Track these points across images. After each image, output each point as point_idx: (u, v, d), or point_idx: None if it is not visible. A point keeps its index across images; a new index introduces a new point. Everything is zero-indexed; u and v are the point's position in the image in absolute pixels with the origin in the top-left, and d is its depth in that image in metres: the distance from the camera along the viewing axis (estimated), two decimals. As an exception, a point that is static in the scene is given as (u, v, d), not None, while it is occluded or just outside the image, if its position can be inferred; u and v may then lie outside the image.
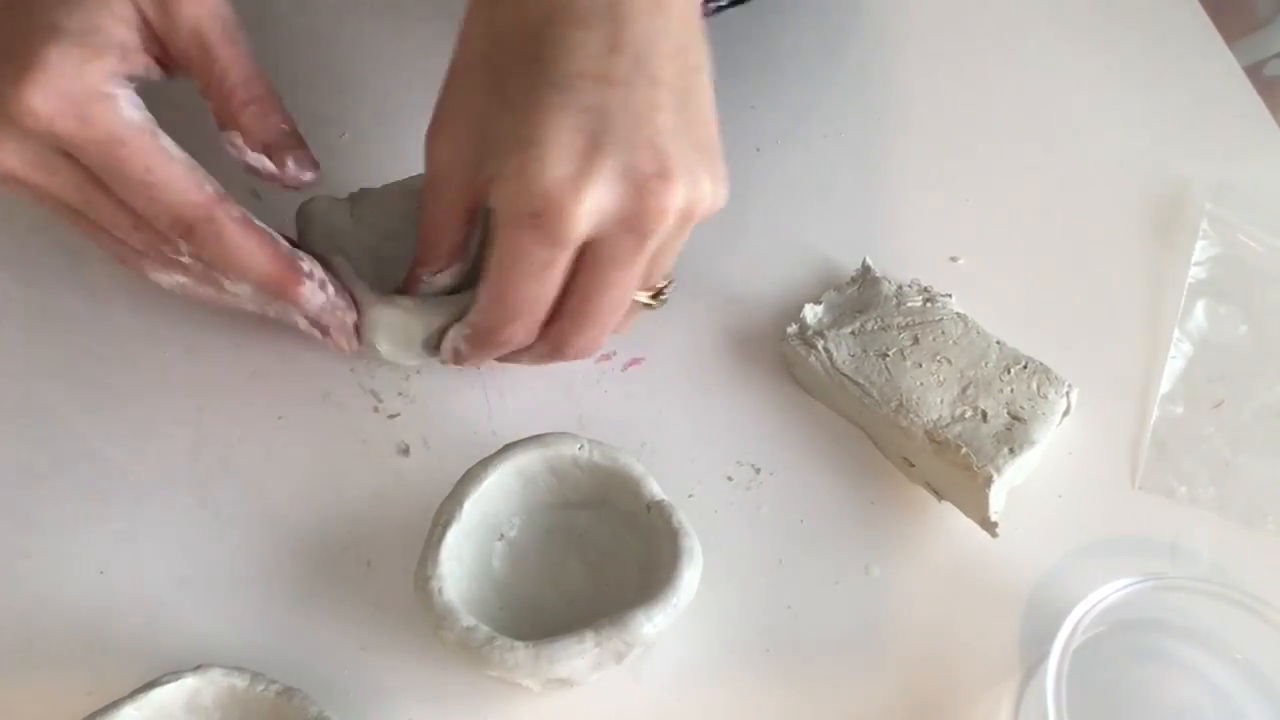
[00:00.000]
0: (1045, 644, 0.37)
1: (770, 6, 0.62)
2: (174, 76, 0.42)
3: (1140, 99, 0.58)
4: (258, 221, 0.41)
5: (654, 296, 0.44)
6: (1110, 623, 0.40)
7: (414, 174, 0.50)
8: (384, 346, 0.46)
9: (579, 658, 0.38)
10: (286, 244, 0.42)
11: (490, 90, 0.39)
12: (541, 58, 0.37)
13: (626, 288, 0.40)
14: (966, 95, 0.59)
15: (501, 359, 0.45)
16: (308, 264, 0.42)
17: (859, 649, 0.43)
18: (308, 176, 0.43)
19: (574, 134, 0.36)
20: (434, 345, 0.45)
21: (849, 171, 0.56)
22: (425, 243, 0.44)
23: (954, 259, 0.53)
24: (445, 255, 0.44)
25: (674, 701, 0.42)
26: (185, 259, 0.42)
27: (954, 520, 0.45)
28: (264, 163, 0.42)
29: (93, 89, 0.37)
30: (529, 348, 0.43)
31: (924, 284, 0.49)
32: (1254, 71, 0.66)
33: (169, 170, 0.39)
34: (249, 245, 0.40)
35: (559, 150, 0.36)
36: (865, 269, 0.50)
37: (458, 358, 0.44)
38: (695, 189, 0.38)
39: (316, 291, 0.42)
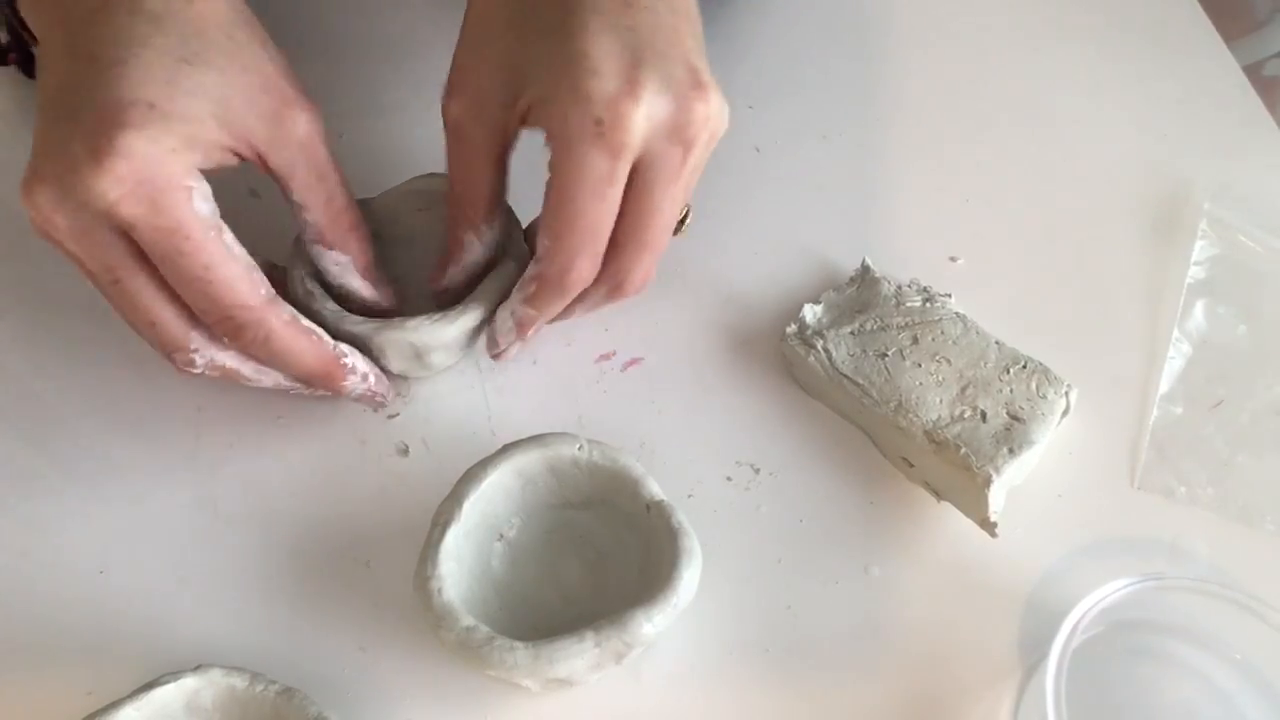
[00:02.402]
0: (1045, 644, 0.37)
1: (770, 7, 0.62)
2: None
3: (1140, 99, 0.58)
4: (304, 321, 0.42)
5: (678, 226, 0.45)
6: (1110, 623, 0.40)
7: (413, 177, 0.50)
8: (396, 365, 0.46)
9: (579, 658, 0.38)
10: (331, 340, 0.43)
11: (519, 25, 0.40)
12: None
13: (674, 206, 0.41)
14: (966, 95, 0.59)
15: (552, 320, 0.45)
16: (349, 357, 0.44)
17: (859, 649, 0.43)
18: (385, 305, 0.47)
19: (618, 49, 0.38)
20: (472, 340, 0.47)
21: (849, 171, 0.56)
22: (462, 199, 0.44)
23: (953, 259, 0.53)
24: (485, 207, 0.44)
25: (674, 701, 0.42)
26: (197, 361, 0.42)
27: (954, 520, 0.45)
28: (366, 290, 0.46)
29: (171, 180, 0.37)
30: (586, 295, 0.44)
31: (923, 284, 0.49)
32: (1254, 71, 0.66)
33: (228, 270, 0.39)
34: (297, 347, 0.41)
35: (609, 63, 0.38)
36: (865, 269, 0.50)
37: (522, 328, 0.45)
38: (721, 104, 0.40)
39: (358, 383, 0.44)
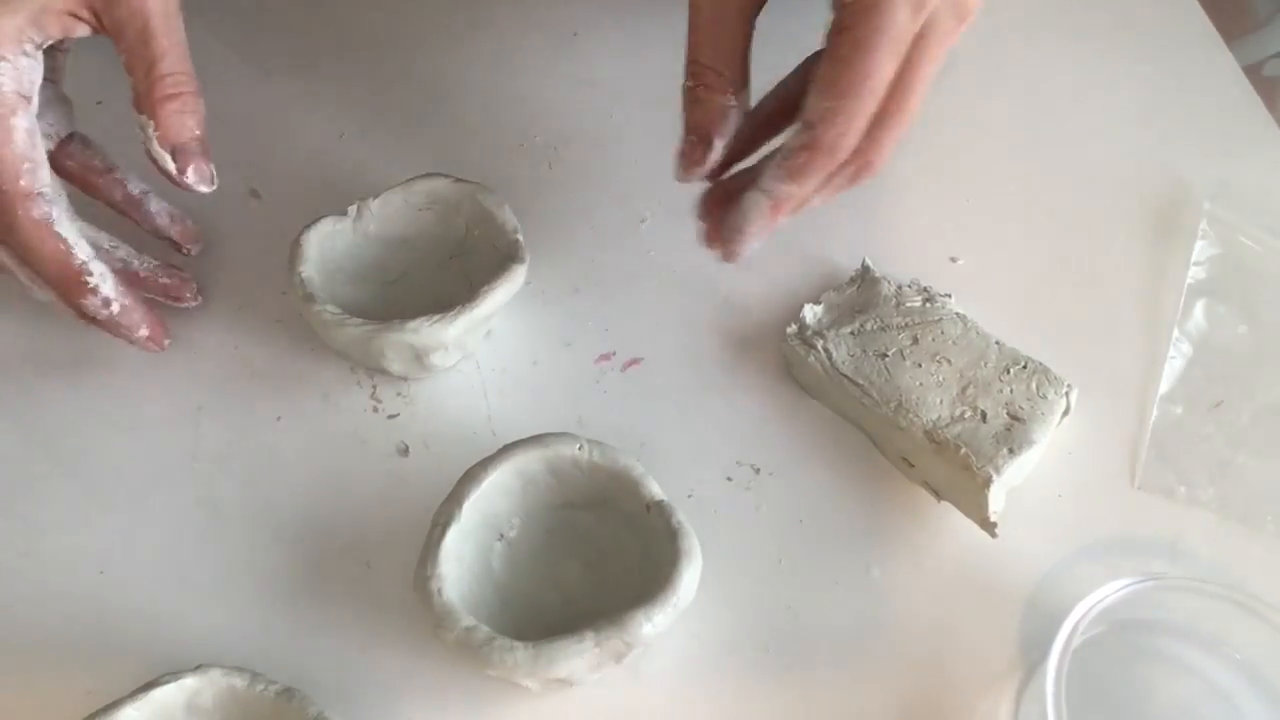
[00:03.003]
0: (1045, 644, 0.37)
1: (770, 7, 0.62)
2: (98, 35, 0.42)
3: (1140, 99, 0.58)
4: (64, 228, 0.42)
5: None
6: (1110, 623, 0.40)
7: (413, 177, 0.50)
8: (396, 367, 0.46)
9: (578, 658, 0.38)
10: (84, 256, 0.43)
11: None
12: None
13: (930, 81, 0.41)
14: (966, 96, 0.59)
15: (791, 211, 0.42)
16: (97, 278, 0.43)
17: (859, 649, 0.43)
18: (203, 189, 0.44)
19: None
20: (471, 340, 0.46)
21: (849, 171, 0.56)
22: (714, 65, 0.42)
23: (953, 259, 0.53)
24: (740, 72, 0.42)
25: (674, 701, 0.42)
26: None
27: (954, 520, 0.45)
28: (166, 161, 0.43)
29: None
30: (834, 177, 0.41)
31: (923, 284, 0.49)
32: (1254, 71, 0.66)
33: None
34: (41, 248, 0.41)
35: None
36: (865, 269, 0.50)
37: (777, 209, 0.41)
38: None
39: (98, 306, 0.43)
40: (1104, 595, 0.38)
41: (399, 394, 0.49)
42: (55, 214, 0.42)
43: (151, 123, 0.42)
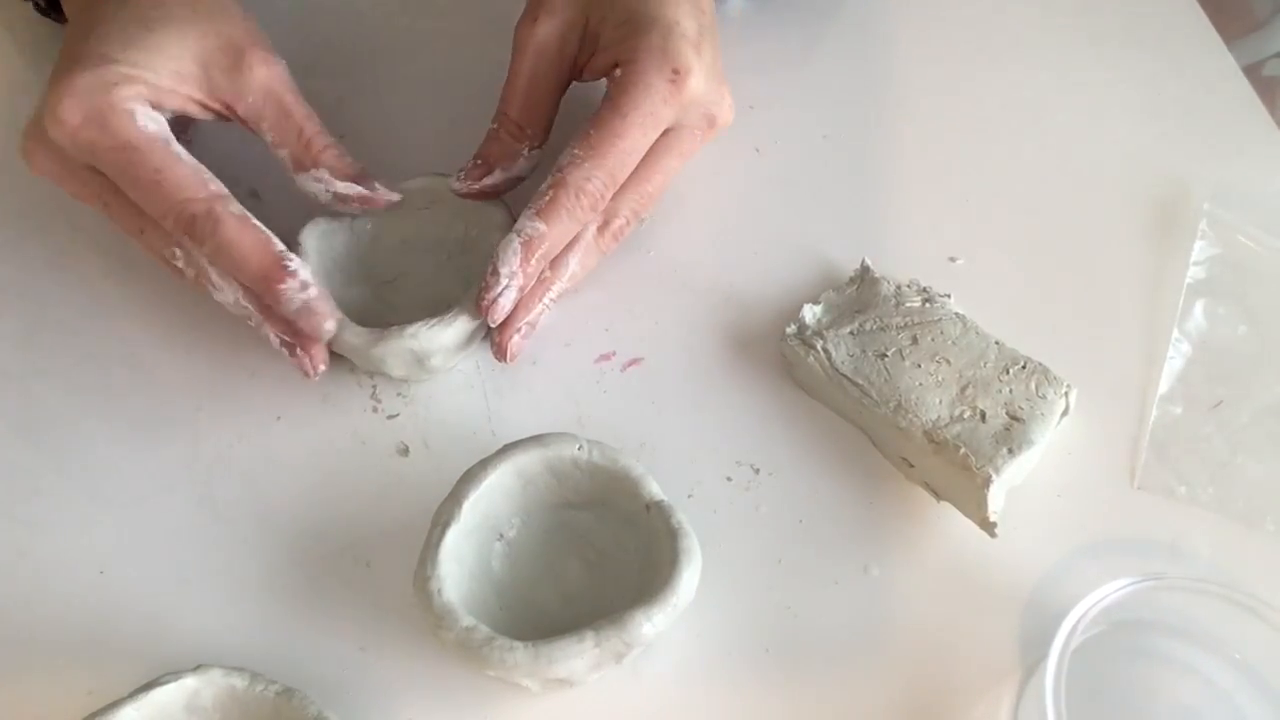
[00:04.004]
0: (1045, 644, 0.37)
1: (770, 7, 0.62)
2: (228, 121, 0.48)
3: (1140, 99, 0.58)
4: (256, 221, 0.44)
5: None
6: (1110, 623, 0.40)
7: (413, 178, 0.50)
8: (397, 371, 0.47)
9: (578, 658, 0.38)
10: (281, 245, 0.45)
11: None
12: None
13: (673, 172, 0.49)
14: (966, 95, 0.59)
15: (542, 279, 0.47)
16: (296, 264, 0.44)
17: (858, 649, 0.43)
18: (395, 197, 0.49)
19: (695, 31, 0.47)
20: (471, 341, 0.48)
21: (849, 171, 0.56)
22: (521, 118, 0.49)
23: (953, 259, 0.53)
24: (543, 129, 0.49)
25: (674, 701, 0.42)
26: (180, 263, 0.46)
27: (953, 520, 0.45)
28: (354, 188, 0.48)
29: (113, 104, 0.43)
30: (577, 239, 0.48)
31: (923, 284, 0.49)
32: (1253, 71, 0.66)
33: (176, 171, 0.43)
34: (243, 239, 0.44)
35: (691, 38, 0.47)
36: (864, 269, 0.50)
37: (528, 249, 0.45)
38: (731, 106, 0.50)
39: (297, 293, 0.44)
40: (1104, 595, 0.38)
41: (399, 394, 0.49)
42: (245, 212, 0.45)
43: (324, 170, 0.47)
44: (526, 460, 0.43)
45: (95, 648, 0.43)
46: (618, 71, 0.47)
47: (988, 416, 0.45)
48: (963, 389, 0.46)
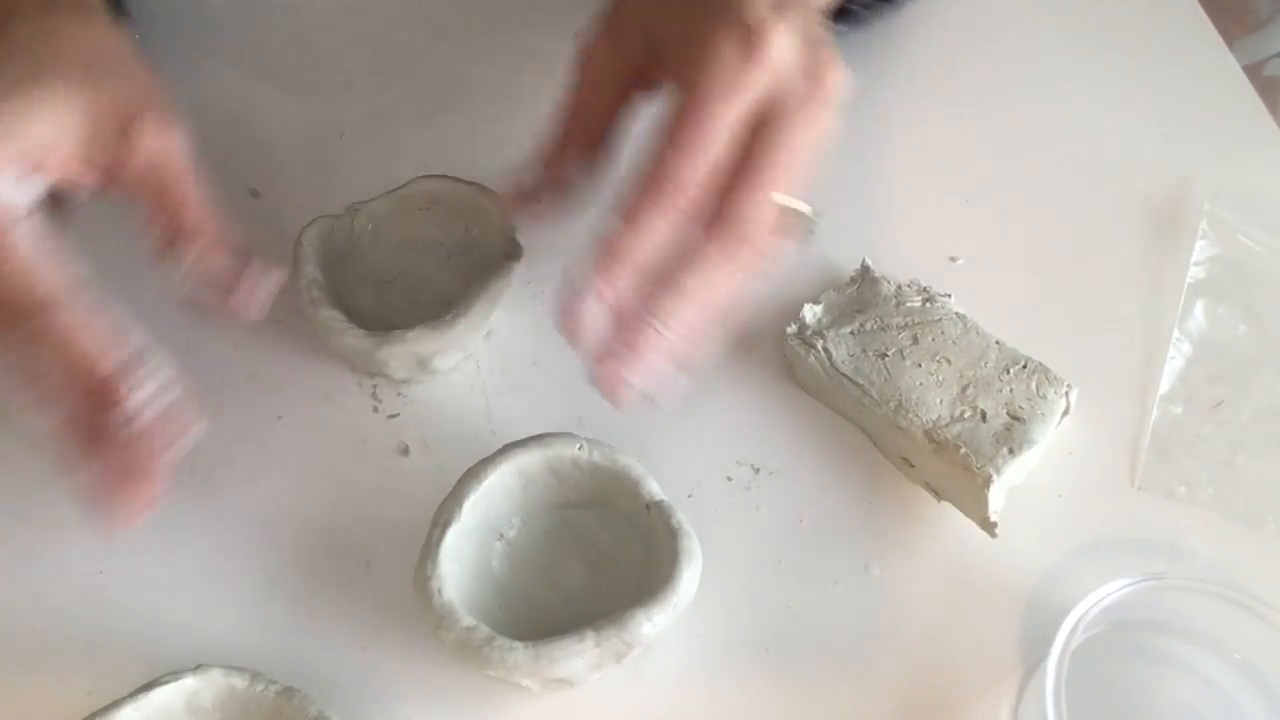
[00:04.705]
0: (1045, 644, 0.37)
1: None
2: (107, 197, 0.41)
3: (1140, 99, 0.58)
4: (108, 315, 0.39)
5: (798, 227, 0.41)
6: (1110, 623, 0.40)
7: (413, 179, 0.50)
8: (400, 374, 0.47)
9: (579, 658, 0.38)
10: (139, 343, 0.39)
11: None
12: None
13: (803, 149, 0.39)
14: (966, 96, 0.59)
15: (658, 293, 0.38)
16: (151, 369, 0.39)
17: (858, 649, 0.43)
18: (253, 314, 0.42)
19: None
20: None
21: (849, 171, 0.56)
22: (574, 117, 0.44)
23: (953, 259, 0.53)
24: (594, 130, 0.44)
25: (674, 701, 0.42)
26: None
27: (953, 520, 0.45)
28: (201, 297, 0.41)
29: None
30: (702, 249, 0.38)
31: (923, 284, 0.49)
32: (1254, 71, 0.66)
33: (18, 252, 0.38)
34: (83, 338, 0.38)
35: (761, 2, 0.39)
36: (865, 269, 0.50)
37: (611, 253, 0.38)
38: (843, 68, 0.40)
39: (143, 407, 0.38)
40: (1104, 595, 0.38)
41: (399, 394, 0.49)
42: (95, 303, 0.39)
43: (193, 251, 0.41)
44: (527, 460, 0.43)
45: (95, 648, 0.43)
46: (687, 52, 0.39)
47: (988, 416, 0.45)
48: (963, 389, 0.46)
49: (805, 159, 0.39)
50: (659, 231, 0.38)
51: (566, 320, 0.38)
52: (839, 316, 0.49)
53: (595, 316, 0.38)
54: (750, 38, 0.38)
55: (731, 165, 0.39)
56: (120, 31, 0.43)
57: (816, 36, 0.40)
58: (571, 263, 0.38)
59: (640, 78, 0.43)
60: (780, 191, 0.39)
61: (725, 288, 0.39)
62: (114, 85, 0.40)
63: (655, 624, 0.38)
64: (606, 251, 0.38)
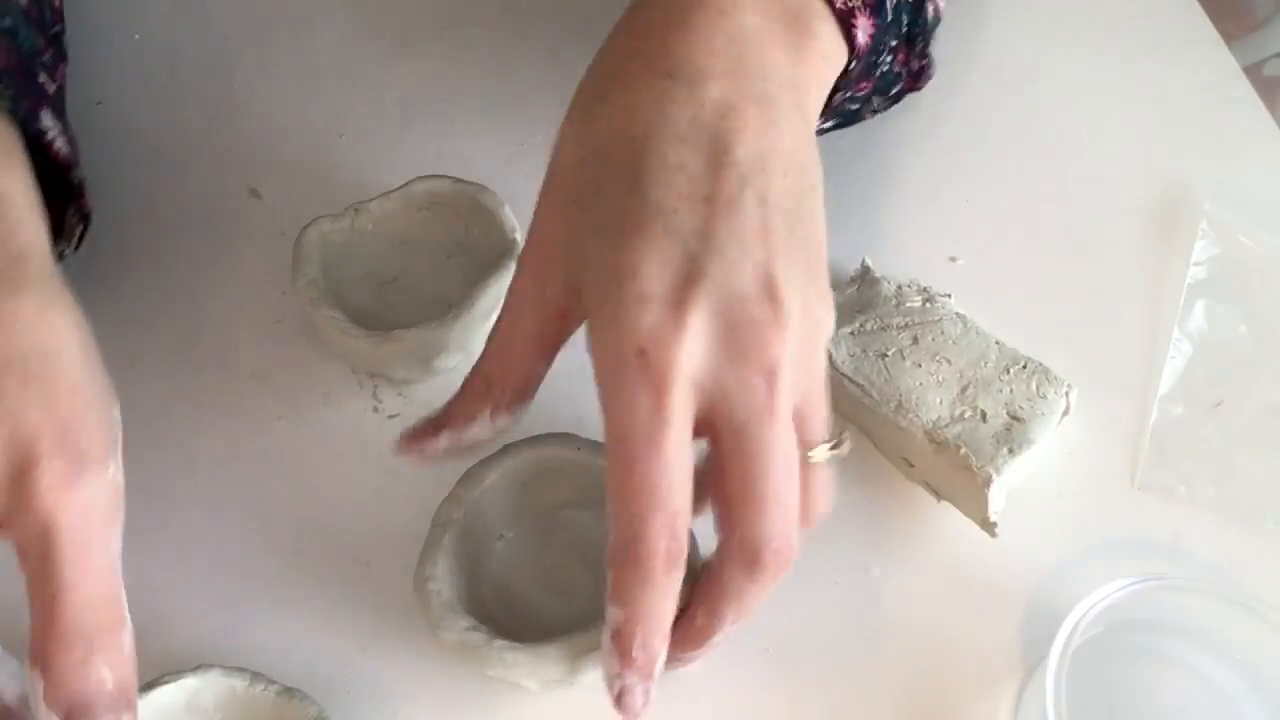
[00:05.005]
0: (1045, 644, 0.37)
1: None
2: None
3: (1140, 99, 0.58)
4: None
5: (833, 448, 0.37)
6: (1110, 623, 0.40)
7: (413, 178, 0.50)
8: (400, 374, 0.47)
9: (579, 659, 0.38)
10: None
11: (583, 211, 0.35)
12: (640, 177, 0.34)
13: (782, 442, 0.33)
14: (966, 95, 0.59)
15: (694, 638, 0.36)
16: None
17: (859, 649, 0.43)
18: None
19: (674, 260, 0.33)
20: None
21: (849, 171, 0.55)
22: (492, 373, 0.38)
23: (953, 259, 0.53)
24: (514, 387, 0.38)
25: (674, 701, 0.42)
26: None
27: (953, 520, 0.45)
28: None
29: None
30: (721, 579, 0.35)
31: (923, 284, 0.49)
32: (1254, 71, 0.66)
33: None
34: None
35: (660, 280, 0.32)
36: (865, 269, 0.50)
37: (620, 642, 0.34)
38: (808, 310, 0.34)
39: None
40: (1104, 595, 0.38)
41: (399, 394, 0.49)
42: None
43: (39, 676, 0.31)
44: (526, 460, 0.43)
45: (95, 648, 0.42)
46: (599, 351, 0.34)
47: (988, 416, 0.45)
48: (963, 389, 0.46)
49: (788, 451, 0.34)
50: (659, 602, 0.34)
51: (621, 710, 0.34)
52: (839, 316, 0.48)
53: (637, 700, 0.34)
54: (647, 362, 0.32)
55: (702, 478, 0.34)
56: (75, 322, 0.35)
57: (749, 293, 0.33)
58: (609, 659, 0.34)
59: (566, 323, 0.38)
60: (791, 508, 0.34)
61: (744, 609, 0.36)
62: (25, 407, 0.32)
63: (655, 624, 0.38)
64: (618, 643, 0.34)
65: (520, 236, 0.48)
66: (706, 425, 0.34)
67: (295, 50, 0.59)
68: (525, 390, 0.38)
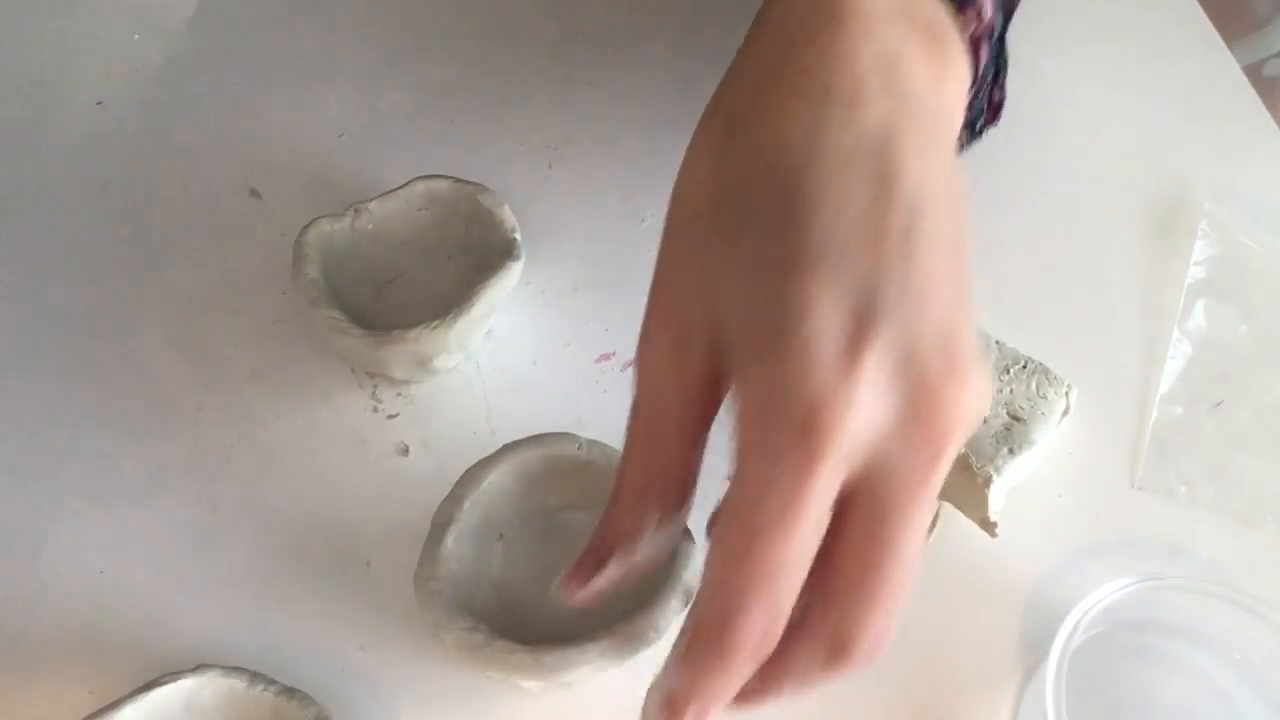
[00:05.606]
0: (1045, 644, 0.37)
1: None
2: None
3: (1140, 99, 0.58)
4: None
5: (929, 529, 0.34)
6: (1110, 623, 0.40)
7: (413, 178, 0.50)
8: (400, 373, 0.47)
9: (581, 666, 0.38)
10: None
11: (729, 248, 0.30)
12: (799, 209, 0.28)
13: (919, 529, 0.29)
14: (966, 95, 0.59)
15: (741, 700, 0.31)
16: None
17: (859, 649, 0.43)
18: None
19: (846, 304, 0.27)
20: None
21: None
22: (644, 478, 0.33)
23: (954, 259, 0.53)
24: (675, 485, 0.33)
25: (674, 701, 0.42)
26: None
27: (954, 520, 0.45)
28: None
29: None
30: (794, 662, 0.31)
31: (924, 284, 0.49)
32: (1254, 71, 0.66)
33: None
34: None
35: (828, 328, 0.27)
36: (865, 269, 0.50)
37: (673, 711, 0.30)
38: (982, 388, 0.28)
39: None
40: (1104, 595, 0.38)
41: (399, 394, 0.49)
42: None
43: None
44: (526, 460, 0.43)
45: (95, 648, 0.43)
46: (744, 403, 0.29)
47: (988, 417, 0.45)
48: (963, 389, 0.45)
49: (918, 544, 0.29)
50: (723, 685, 0.30)
51: None
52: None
53: None
54: (806, 430, 0.27)
55: (805, 564, 0.29)
56: None
57: (932, 355, 0.27)
58: (657, 712, 0.31)
59: (715, 394, 0.31)
60: (895, 601, 0.29)
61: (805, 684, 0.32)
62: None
63: (656, 625, 0.38)
64: (671, 707, 0.31)
65: (518, 235, 0.48)
66: (843, 494, 0.28)
67: (295, 50, 0.59)
68: (687, 485, 0.33)
